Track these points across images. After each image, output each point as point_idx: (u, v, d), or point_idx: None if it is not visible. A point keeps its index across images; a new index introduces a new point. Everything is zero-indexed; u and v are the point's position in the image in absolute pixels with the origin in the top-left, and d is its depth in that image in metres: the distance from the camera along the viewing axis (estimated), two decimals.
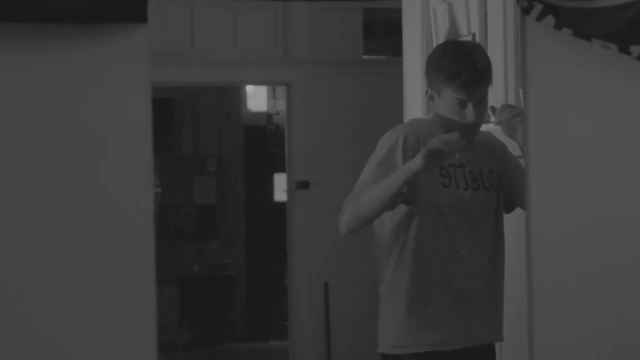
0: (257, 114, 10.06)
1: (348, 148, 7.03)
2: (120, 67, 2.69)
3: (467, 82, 3.26)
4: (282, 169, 8.03)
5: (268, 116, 10.06)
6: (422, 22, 5.18)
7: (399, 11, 5.44)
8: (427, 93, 3.39)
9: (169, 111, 9.75)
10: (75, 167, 2.67)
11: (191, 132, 10.03)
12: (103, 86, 2.68)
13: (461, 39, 4.70)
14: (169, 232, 9.67)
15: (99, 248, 2.67)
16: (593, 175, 2.93)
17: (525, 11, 2.87)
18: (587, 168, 2.93)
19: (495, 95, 4.34)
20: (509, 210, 3.48)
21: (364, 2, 7.32)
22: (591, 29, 2.85)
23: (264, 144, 10.03)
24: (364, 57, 7.56)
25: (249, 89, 9.92)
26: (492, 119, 4.43)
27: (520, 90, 3.79)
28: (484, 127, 3.43)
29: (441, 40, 4.93)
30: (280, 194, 9.34)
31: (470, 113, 3.29)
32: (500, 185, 3.42)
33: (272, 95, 10.00)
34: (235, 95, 10.04)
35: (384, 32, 8.12)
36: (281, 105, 9.45)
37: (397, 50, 5.83)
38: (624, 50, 2.85)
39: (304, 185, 7.27)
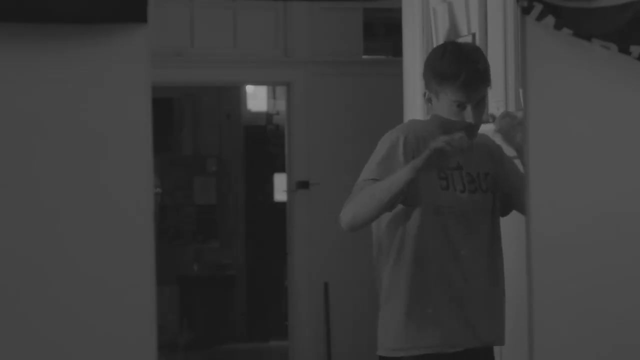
0: (257, 114, 10.06)
1: (348, 148, 7.03)
2: (120, 67, 2.69)
3: (466, 83, 3.25)
4: (282, 169, 8.03)
5: (268, 116, 10.06)
6: (422, 22, 5.18)
7: (399, 11, 5.44)
8: (425, 95, 3.38)
9: (169, 111, 9.75)
10: (75, 167, 2.67)
11: (191, 132, 10.03)
12: (103, 86, 2.68)
13: (461, 39, 4.70)
14: (169, 232, 9.67)
15: (99, 248, 2.67)
16: (593, 175, 2.93)
17: (525, 11, 2.87)
18: (587, 168, 2.93)
19: (495, 95, 4.35)
20: (505, 213, 3.48)
21: (364, 2, 7.32)
22: (591, 29, 2.85)
23: (264, 144, 10.03)
24: (364, 57, 7.56)
25: (249, 89, 9.92)
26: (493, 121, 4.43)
27: (520, 90, 3.79)
28: (482, 129, 3.42)
29: (441, 40, 4.93)
30: (280, 194, 9.34)
31: (468, 115, 3.28)
32: (496, 187, 3.42)
33: (272, 95, 10.00)
34: (235, 95, 10.04)
35: (384, 32, 8.12)
36: (281, 105, 9.45)
37: (397, 50, 5.83)
38: (624, 50, 2.85)
39: (304, 185, 7.27)
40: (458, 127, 3.28)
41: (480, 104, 3.31)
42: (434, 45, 5.02)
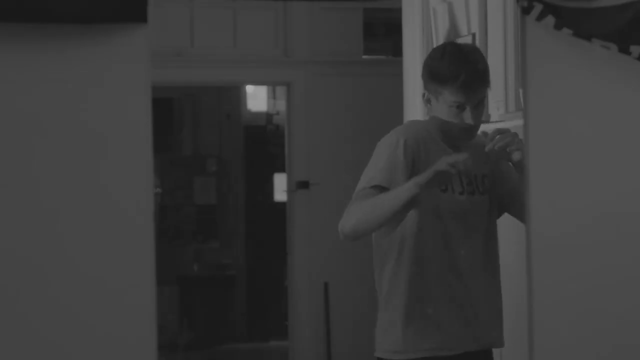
0: (257, 114, 10.06)
1: (348, 148, 7.04)
2: (120, 67, 2.69)
3: (466, 84, 3.24)
4: (282, 169, 8.03)
5: (268, 116, 10.06)
6: (422, 22, 5.18)
7: (399, 11, 5.45)
8: (424, 96, 3.37)
9: (169, 111, 9.76)
10: (75, 167, 2.67)
11: (191, 132, 10.03)
12: (103, 86, 2.68)
13: (461, 39, 4.70)
14: (169, 232, 9.68)
15: (99, 248, 2.67)
16: (593, 175, 2.93)
17: (525, 11, 2.86)
18: (587, 168, 2.93)
19: (495, 95, 4.35)
20: (498, 215, 3.47)
21: (364, 2, 7.32)
22: (591, 29, 2.85)
23: (264, 144, 10.03)
24: (364, 57, 7.56)
25: (249, 89, 9.92)
26: (492, 118, 4.44)
27: (520, 90, 3.79)
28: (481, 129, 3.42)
29: (441, 40, 4.93)
30: (280, 194, 9.34)
31: (467, 116, 3.27)
32: (493, 189, 3.42)
33: (272, 95, 10.00)
34: (235, 95, 10.04)
35: (384, 32, 8.13)
36: (281, 105, 9.45)
37: (397, 50, 5.83)
38: (624, 50, 2.85)
39: (304, 185, 7.28)
40: (457, 129, 3.28)
41: (479, 105, 3.30)
42: (434, 45, 5.02)
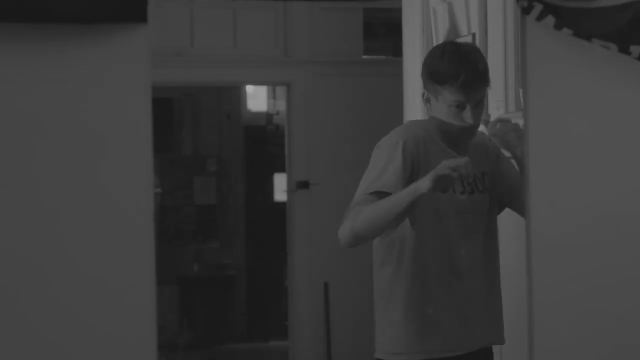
0: (257, 114, 10.06)
1: (348, 148, 7.04)
2: (120, 67, 2.69)
3: (466, 83, 3.23)
4: (282, 169, 8.03)
5: (268, 116, 10.06)
6: (422, 22, 5.18)
7: (399, 11, 5.44)
8: (423, 95, 3.37)
9: (169, 111, 9.75)
10: (75, 167, 2.67)
11: (191, 132, 10.03)
12: (103, 86, 2.68)
13: (461, 39, 4.70)
14: (169, 232, 9.68)
15: (99, 248, 2.67)
16: (593, 175, 2.93)
17: (525, 11, 2.87)
18: (587, 168, 2.93)
19: (495, 95, 4.35)
20: (498, 212, 3.48)
21: (364, 2, 7.32)
22: (591, 29, 2.85)
23: (264, 144, 10.03)
24: (364, 57, 7.56)
25: (249, 89, 9.92)
26: (492, 118, 4.43)
27: (520, 90, 3.79)
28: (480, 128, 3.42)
29: (441, 40, 4.93)
30: (280, 194, 9.34)
31: (467, 115, 3.27)
32: (493, 187, 3.42)
33: (272, 95, 10.00)
34: (235, 95, 10.04)
35: (384, 32, 8.12)
36: (281, 105, 9.45)
37: (397, 50, 5.83)
38: (624, 50, 2.85)
39: (304, 185, 7.27)
40: (457, 129, 3.28)
41: (479, 105, 3.30)
42: (434, 45, 5.02)
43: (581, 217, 2.92)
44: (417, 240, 3.30)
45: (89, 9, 2.63)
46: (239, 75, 7.57)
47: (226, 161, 10.01)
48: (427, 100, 3.35)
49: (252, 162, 10.05)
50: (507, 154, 3.44)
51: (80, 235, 2.67)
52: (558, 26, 2.85)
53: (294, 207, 7.35)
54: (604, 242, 2.92)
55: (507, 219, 3.50)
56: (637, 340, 2.93)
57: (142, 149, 2.69)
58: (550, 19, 2.85)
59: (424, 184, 3.11)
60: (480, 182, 3.38)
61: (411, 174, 3.23)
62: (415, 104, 5.08)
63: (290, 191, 7.38)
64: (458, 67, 3.24)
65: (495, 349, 3.51)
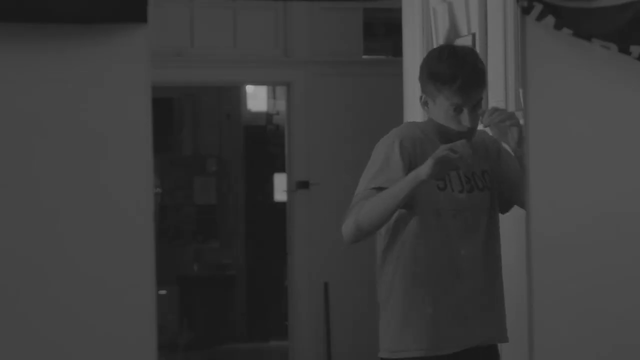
0: (257, 114, 10.06)
1: (348, 148, 7.03)
2: (120, 67, 2.69)
3: (463, 86, 3.24)
4: (282, 169, 8.03)
5: (268, 116, 10.06)
6: (422, 22, 5.18)
7: (399, 11, 5.44)
8: (421, 99, 3.38)
9: (169, 111, 9.75)
10: (75, 167, 2.67)
11: (191, 132, 10.03)
12: (103, 86, 2.69)
13: (461, 39, 4.70)
14: (169, 232, 9.67)
15: (99, 248, 2.67)
16: (593, 175, 2.93)
17: (525, 11, 2.87)
18: (587, 168, 2.93)
19: (495, 95, 4.35)
20: (505, 210, 3.48)
21: (364, 2, 7.32)
22: (591, 29, 2.85)
23: (264, 144, 10.03)
24: (364, 57, 7.56)
25: (249, 89, 9.92)
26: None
27: (520, 90, 3.79)
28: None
29: (441, 40, 4.93)
30: (280, 194, 9.34)
31: (465, 118, 3.27)
32: (493, 185, 3.42)
33: (272, 95, 10.00)
34: (235, 95, 10.04)
35: (384, 32, 8.12)
36: (281, 105, 9.45)
37: (397, 50, 5.83)
38: (624, 50, 2.85)
39: (304, 185, 7.27)
40: (454, 133, 3.29)
41: (476, 107, 3.30)
42: (434, 46, 5.02)
43: (581, 217, 2.92)
44: (417, 239, 3.31)
45: (89, 9, 2.63)
46: (239, 75, 7.57)
47: (226, 161, 10.01)
48: (424, 103, 3.36)
49: (252, 162, 10.05)
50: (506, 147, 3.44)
51: (80, 235, 2.67)
52: (558, 26, 2.85)
53: (294, 207, 7.35)
54: (604, 242, 2.92)
55: (507, 219, 3.50)
56: (637, 340, 2.93)
57: (142, 149, 2.69)
58: (550, 19, 2.85)
59: (423, 170, 3.13)
60: (481, 180, 3.39)
61: (408, 172, 3.24)
62: (415, 104, 5.08)
63: (290, 191, 7.38)
64: (455, 69, 3.24)
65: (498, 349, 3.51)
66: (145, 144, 2.69)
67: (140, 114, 2.69)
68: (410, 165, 3.26)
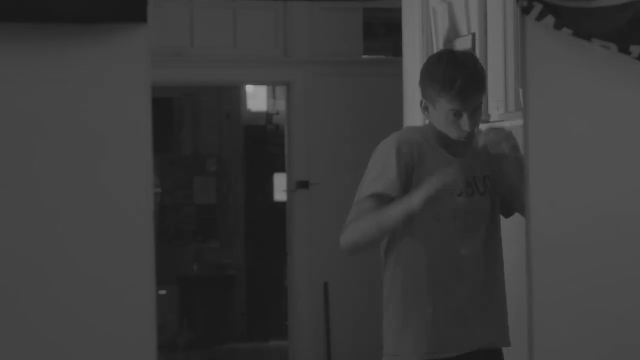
0: (257, 114, 10.06)
1: (348, 148, 7.04)
2: (120, 67, 2.69)
3: (462, 91, 3.24)
4: (282, 169, 8.03)
5: (268, 116, 10.06)
6: (422, 22, 5.19)
7: (399, 11, 5.45)
8: (421, 104, 3.38)
9: (169, 111, 9.75)
10: (75, 167, 2.67)
11: (191, 132, 10.03)
12: (103, 86, 2.68)
13: (461, 39, 4.70)
14: (169, 232, 9.67)
15: (99, 248, 2.67)
16: (593, 175, 2.93)
17: (525, 11, 2.87)
18: (587, 168, 2.93)
19: (495, 95, 4.35)
20: (508, 215, 3.48)
21: (364, 2, 7.32)
22: (591, 29, 2.85)
23: (264, 144, 10.03)
24: (364, 57, 7.56)
25: (249, 89, 9.92)
26: (492, 118, 4.43)
27: (520, 90, 3.79)
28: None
29: (441, 40, 4.94)
30: (280, 194, 9.34)
31: (465, 123, 3.28)
32: (495, 189, 3.42)
33: (272, 95, 10.00)
34: (235, 95, 10.04)
35: (384, 32, 8.12)
36: (281, 105, 9.45)
37: (397, 50, 5.83)
38: (624, 50, 2.85)
39: (304, 185, 7.27)
40: (454, 141, 3.29)
41: (476, 112, 3.31)
42: (434, 45, 5.03)
43: (581, 217, 2.92)
44: (416, 242, 3.31)
45: (89, 9, 2.63)
46: (239, 75, 7.57)
47: (226, 161, 10.01)
48: (425, 109, 3.36)
49: (252, 162, 10.05)
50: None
51: (80, 235, 2.67)
52: (558, 26, 2.85)
53: (294, 207, 7.35)
54: (604, 242, 2.92)
55: (507, 220, 3.51)
56: (637, 340, 2.93)
57: (142, 149, 2.69)
58: (550, 19, 2.85)
59: (415, 200, 3.16)
60: (482, 184, 3.39)
61: (406, 177, 3.27)
62: (415, 104, 5.08)
63: (290, 191, 7.38)
64: (454, 75, 3.25)
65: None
66: (145, 144, 2.69)
67: (140, 114, 2.69)
68: (407, 171, 3.27)
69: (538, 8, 2.85)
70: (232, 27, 7.30)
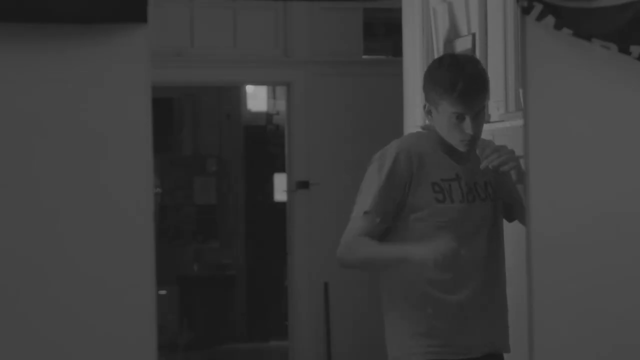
0: (257, 114, 10.06)
1: (348, 148, 7.04)
2: (120, 67, 2.69)
3: (464, 94, 3.24)
4: (282, 169, 8.03)
5: (268, 116, 10.06)
6: (422, 22, 5.19)
7: (399, 11, 5.45)
8: (424, 107, 3.38)
9: (169, 111, 9.75)
10: (75, 167, 2.67)
11: (191, 132, 10.03)
12: (103, 86, 2.68)
13: (461, 39, 4.70)
14: (169, 232, 9.68)
15: (99, 248, 2.67)
16: (593, 175, 2.93)
17: (525, 11, 2.87)
18: (587, 168, 2.93)
19: (495, 95, 4.35)
20: (510, 219, 3.48)
21: (364, 2, 7.32)
22: (591, 29, 2.85)
23: (264, 144, 10.03)
24: (364, 57, 7.56)
25: (249, 89, 9.92)
26: (492, 118, 4.44)
27: (520, 90, 3.79)
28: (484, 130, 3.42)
29: (441, 40, 4.94)
30: (280, 194, 9.34)
31: (468, 126, 3.27)
32: (497, 195, 3.42)
33: (272, 95, 10.00)
34: (235, 95, 10.04)
35: (384, 32, 8.12)
36: (281, 105, 9.45)
37: (397, 50, 5.83)
38: (624, 50, 2.85)
39: (304, 185, 7.27)
40: (457, 142, 3.29)
41: (479, 115, 3.30)
42: (434, 45, 5.03)
43: (581, 217, 2.92)
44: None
45: (89, 9, 2.63)
46: (239, 75, 7.57)
47: (226, 161, 10.02)
48: (428, 112, 3.36)
49: (252, 162, 10.05)
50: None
51: (80, 235, 2.67)
52: (558, 26, 2.85)
53: (294, 207, 7.35)
54: (604, 242, 2.92)
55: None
56: (637, 340, 2.93)
57: (142, 149, 2.69)
58: (550, 19, 2.85)
59: (415, 256, 3.23)
60: (483, 190, 3.39)
61: (403, 189, 3.28)
62: (415, 104, 5.08)
63: (290, 191, 7.38)
64: (456, 78, 3.25)
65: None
66: (145, 144, 2.69)
67: (140, 114, 2.69)
68: (404, 187, 3.28)
69: (538, 8, 2.85)
70: (232, 27, 7.30)
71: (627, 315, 2.92)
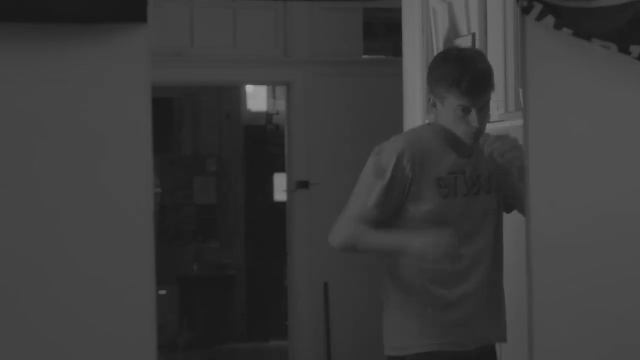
0: (257, 114, 10.06)
1: (348, 148, 7.03)
2: (120, 67, 2.69)
3: (470, 87, 3.25)
4: (282, 169, 8.03)
5: (268, 116, 10.05)
6: (422, 22, 5.18)
7: (399, 11, 5.44)
8: (430, 101, 3.39)
9: (169, 111, 9.75)
10: (75, 167, 2.67)
11: (191, 132, 10.02)
12: (103, 86, 2.69)
13: (461, 39, 4.70)
14: (169, 232, 9.67)
15: (99, 248, 2.67)
16: (593, 175, 2.93)
17: (525, 11, 2.87)
18: (587, 168, 2.93)
19: (495, 95, 4.34)
20: (509, 210, 3.49)
21: (364, 2, 7.32)
22: (591, 29, 2.85)
23: (264, 144, 10.03)
24: (364, 57, 7.56)
25: (249, 89, 9.91)
26: (492, 118, 4.43)
27: (520, 90, 3.79)
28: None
29: (441, 40, 4.93)
30: (280, 194, 9.34)
31: (473, 119, 3.28)
32: (499, 187, 3.43)
33: (272, 95, 10.00)
34: (235, 95, 10.03)
35: (384, 32, 8.12)
36: (281, 105, 9.45)
37: (397, 50, 5.83)
38: (624, 50, 2.85)
39: (304, 185, 7.27)
40: (462, 135, 3.29)
41: (484, 109, 3.31)
42: (434, 45, 5.03)
43: (581, 217, 2.92)
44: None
45: (89, 9, 2.63)
46: (239, 75, 7.57)
47: (226, 161, 10.01)
48: (433, 105, 3.37)
49: (252, 162, 10.04)
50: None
51: (80, 235, 2.67)
52: (558, 26, 2.85)
53: (294, 207, 7.35)
54: (604, 242, 2.92)
55: (507, 219, 3.51)
56: (637, 340, 2.93)
57: (142, 149, 2.69)
58: (550, 19, 2.85)
59: (414, 248, 3.25)
60: (487, 182, 3.39)
61: (404, 188, 3.29)
62: (415, 104, 5.08)
63: (290, 191, 7.38)
64: (462, 71, 3.26)
65: (496, 348, 3.51)
66: (145, 144, 2.69)
67: (140, 114, 2.69)
68: (405, 184, 3.29)
69: (538, 8, 2.85)
70: (232, 27, 7.29)
71: (627, 315, 2.92)
